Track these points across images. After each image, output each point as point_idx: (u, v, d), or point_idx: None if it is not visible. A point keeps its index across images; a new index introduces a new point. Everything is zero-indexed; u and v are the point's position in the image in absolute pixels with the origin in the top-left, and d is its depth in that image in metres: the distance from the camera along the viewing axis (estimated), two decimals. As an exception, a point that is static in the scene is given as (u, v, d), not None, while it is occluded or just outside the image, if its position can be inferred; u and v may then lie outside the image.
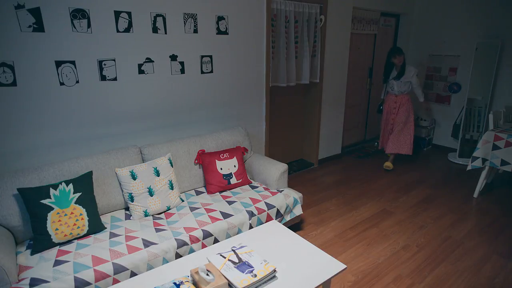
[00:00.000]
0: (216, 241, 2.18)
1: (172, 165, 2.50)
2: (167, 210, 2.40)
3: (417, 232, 2.88)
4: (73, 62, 2.28)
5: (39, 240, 1.89)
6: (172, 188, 2.44)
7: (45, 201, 1.93)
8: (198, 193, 2.67)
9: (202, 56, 2.91)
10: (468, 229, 2.93)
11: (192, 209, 2.39)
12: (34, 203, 1.91)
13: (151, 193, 2.33)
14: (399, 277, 2.31)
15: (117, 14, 2.39)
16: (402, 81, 4.01)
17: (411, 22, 5.21)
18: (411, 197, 3.56)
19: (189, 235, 2.08)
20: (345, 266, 1.68)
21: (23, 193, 1.92)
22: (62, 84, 2.27)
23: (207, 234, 2.14)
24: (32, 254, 1.86)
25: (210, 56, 2.96)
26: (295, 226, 2.90)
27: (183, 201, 2.53)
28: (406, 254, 2.58)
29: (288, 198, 2.62)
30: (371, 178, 4.05)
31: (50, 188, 1.98)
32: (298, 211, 2.69)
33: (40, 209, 1.91)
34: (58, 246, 1.94)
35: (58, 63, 2.22)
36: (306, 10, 3.62)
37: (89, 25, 2.29)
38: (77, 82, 2.33)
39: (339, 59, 4.26)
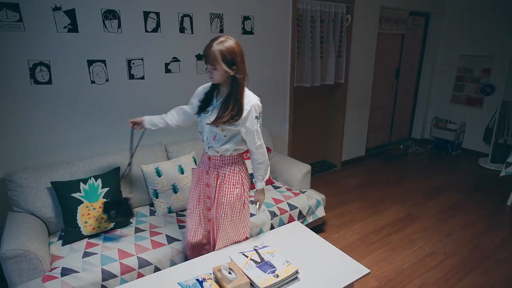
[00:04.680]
0: (237, 240, 2.19)
1: (196, 163, 2.54)
2: (190, 207, 2.43)
3: (444, 239, 2.78)
4: (103, 61, 2.36)
5: (70, 232, 1.98)
6: (195, 186, 2.47)
7: (76, 195, 2.01)
8: (220, 191, 2.69)
9: (227, 56, 2.93)
10: (501, 238, 2.79)
11: (214, 207, 2.41)
12: (65, 196, 2.00)
13: (175, 190, 2.37)
14: (424, 285, 2.24)
15: (146, 14, 2.45)
16: (225, 127, 1.60)
17: (442, 21, 5.02)
18: (438, 202, 3.43)
19: (212, 233, 2.09)
20: (368, 270, 1.64)
21: (56, 186, 2.01)
22: (93, 82, 2.35)
23: (229, 233, 2.15)
24: (63, 245, 1.94)
25: (235, 56, 2.98)
26: (317, 227, 2.87)
27: (206, 199, 2.55)
28: (432, 261, 2.49)
29: (310, 200, 2.59)
30: (395, 182, 3.94)
31: (80, 182, 2.06)
32: (320, 212, 2.66)
33: (71, 202, 1.99)
34: (87, 239, 2.01)
35: (90, 62, 2.31)
36: (332, 10, 3.57)
37: (119, 25, 2.36)
38: (107, 80, 2.41)
39: (365, 59, 4.17)
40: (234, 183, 1.72)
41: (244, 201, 1.78)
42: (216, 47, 1.51)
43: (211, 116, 1.63)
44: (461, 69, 4.92)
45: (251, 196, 1.92)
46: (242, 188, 1.75)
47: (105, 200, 2.06)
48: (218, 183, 1.72)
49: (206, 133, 1.68)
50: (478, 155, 4.82)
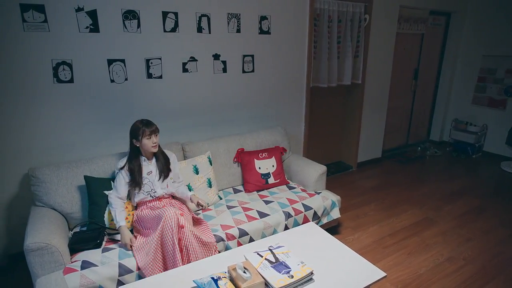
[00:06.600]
0: (251, 240, 2.19)
1: (211, 164, 2.56)
2: (205, 206, 2.45)
3: (463, 244, 2.70)
4: (123, 61, 2.41)
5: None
6: (210, 186, 2.49)
7: (108, 192, 2.08)
8: (236, 191, 2.71)
9: (244, 56, 2.94)
10: (523, 245, 2.70)
11: (229, 207, 2.42)
12: (96, 192, 2.06)
13: (190, 190, 2.39)
14: (442, 291, 2.19)
15: (165, 14, 2.48)
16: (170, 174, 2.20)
17: (464, 20, 4.88)
18: (457, 206, 3.34)
19: (226, 232, 2.11)
20: (384, 273, 1.62)
21: (88, 181, 2.07)
22: (112, 81, 2.40)
23: (243, 233, 2.16)
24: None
25: (252, 56, 2.99)
26: (332, 229, 2.84)
27: (221, 198, 2.57)
28: (451, 267, 2.43)
29: (326, 201, 2.57)
30: (413, 184, 3.86)
31: (111, 182, 2.12)
32: (335, 214, 2.64)
33: (100, 198, 2.06)
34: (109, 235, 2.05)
35: (110, 62, 2.36)
36: (350, 10, 3.53)
37: (138, 25, 2.40)
38: (126, 79, 2.46)
39: (383, 59, 4.11)
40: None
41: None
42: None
43: (157, 176, 2.15)
44: (483, 69, 4.78)
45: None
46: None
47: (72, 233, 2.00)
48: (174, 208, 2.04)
49: (157, 187, 2.14)
50: (501, 159, 4.67)
